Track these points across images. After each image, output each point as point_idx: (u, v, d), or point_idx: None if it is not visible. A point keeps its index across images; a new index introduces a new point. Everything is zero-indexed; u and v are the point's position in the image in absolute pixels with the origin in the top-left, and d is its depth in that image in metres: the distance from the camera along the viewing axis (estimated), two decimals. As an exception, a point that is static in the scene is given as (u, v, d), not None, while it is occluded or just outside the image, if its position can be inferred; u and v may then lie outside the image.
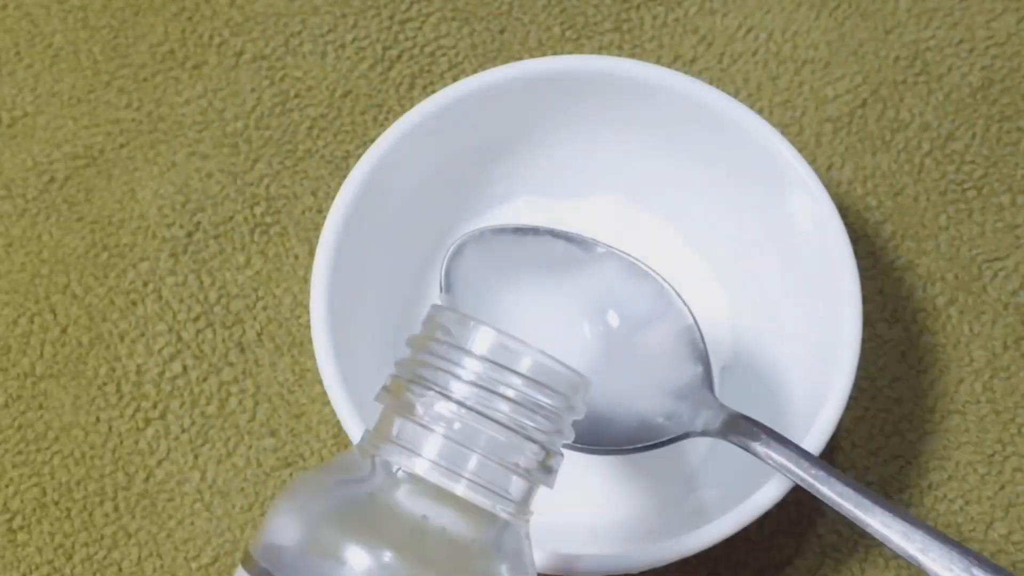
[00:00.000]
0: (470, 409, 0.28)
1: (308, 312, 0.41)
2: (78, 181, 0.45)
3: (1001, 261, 0.44)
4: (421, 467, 0.28)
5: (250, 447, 0.42)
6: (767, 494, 0.36)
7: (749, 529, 0.36)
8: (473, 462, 0.28)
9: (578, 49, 0.47)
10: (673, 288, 0.37)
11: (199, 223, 0.44)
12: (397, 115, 0.45)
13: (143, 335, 0.43)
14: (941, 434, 0.42)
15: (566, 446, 0.34)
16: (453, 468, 0.28)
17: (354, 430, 0.37)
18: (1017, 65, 0.46)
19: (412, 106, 0.41)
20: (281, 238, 0.44)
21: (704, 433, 0.36)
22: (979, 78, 0.46)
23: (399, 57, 0.46)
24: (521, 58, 0.46)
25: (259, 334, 0.43)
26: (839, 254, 0.38)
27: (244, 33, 0.47)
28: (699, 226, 0.42)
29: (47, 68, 0.46)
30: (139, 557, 0.41)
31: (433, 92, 0.44)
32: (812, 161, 0.45)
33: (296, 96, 0.46)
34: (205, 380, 0.42)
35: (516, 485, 0.29)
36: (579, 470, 0.40)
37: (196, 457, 0.42)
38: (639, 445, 0.37)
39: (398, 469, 0.29)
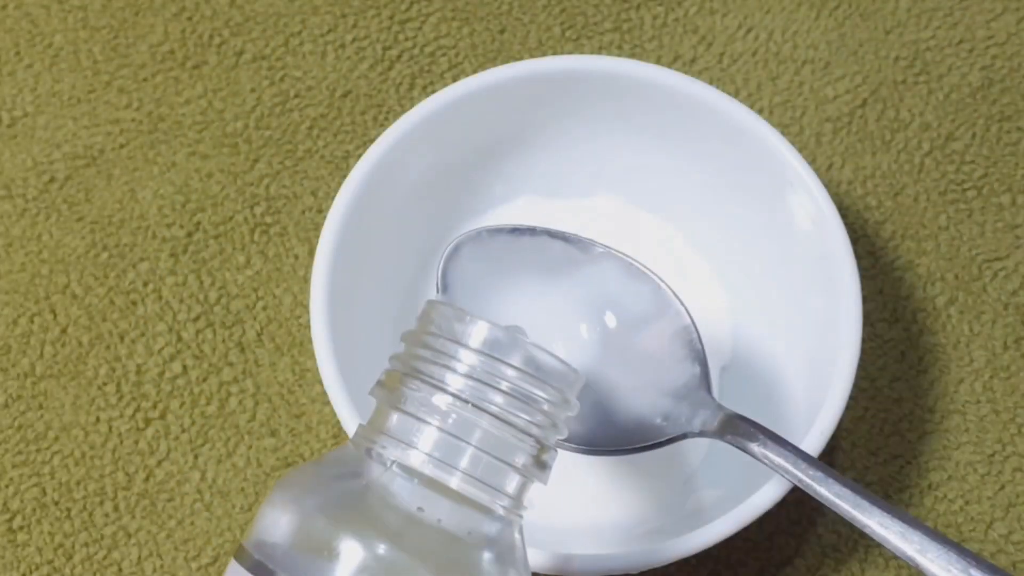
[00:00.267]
0: (465, 401, 0.28)
1: (308, 312, 0.41)
2: (78, 181, 0.45)
3: (1001, 261, 0.44)
4: (415, 459, 0.29)
5: (250, 447, 0.42)
6: (767, 494, 0.36)
7: (749, 529, 0.36)
8: (467, 455, 0.28)
9: (578, 49, 0.47)
10: (670, 288, 0.37)
11: (199, 223, 0.44)
12: (397, 115, 0.45)
13: (143, 335, 0.43)
14: (941, 434, 0.42)
15: (565, 447, 0.34)
16: (447, 461, 0.28)
17: (354, 430, 0.36)
18: (1017, 65, 0.46)
19: (412, 106, 0.41)
20: (281, 238, 0.44)
21: (702, 434, 0.36)
22: (979, 78, 0.46)
23: (399, 57, 0.46)
24: (521, 58, 0.46)
25: (259, 334, 0.43)
26: (839, 254, 0.38)
27: (244, 33, 0.47)
28: (699, 226, 0.42)
29: (47, 68, 0.46)
30: (139, 557, 0.41)
31: (433, 92, 0.44)
32: (812, 161, 0.45)
33: (296, 96, 0.46)
34: (205, 380, 0.42)
35: (510, 479, 0.29)
36: (578, 471, 0.40)
37: (196, 457, 0.42)
38: (637, 446, 0.37)
39: (392, 462, 0.29)
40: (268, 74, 0.46)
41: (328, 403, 0.42)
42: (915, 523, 0.33)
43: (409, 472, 0.29)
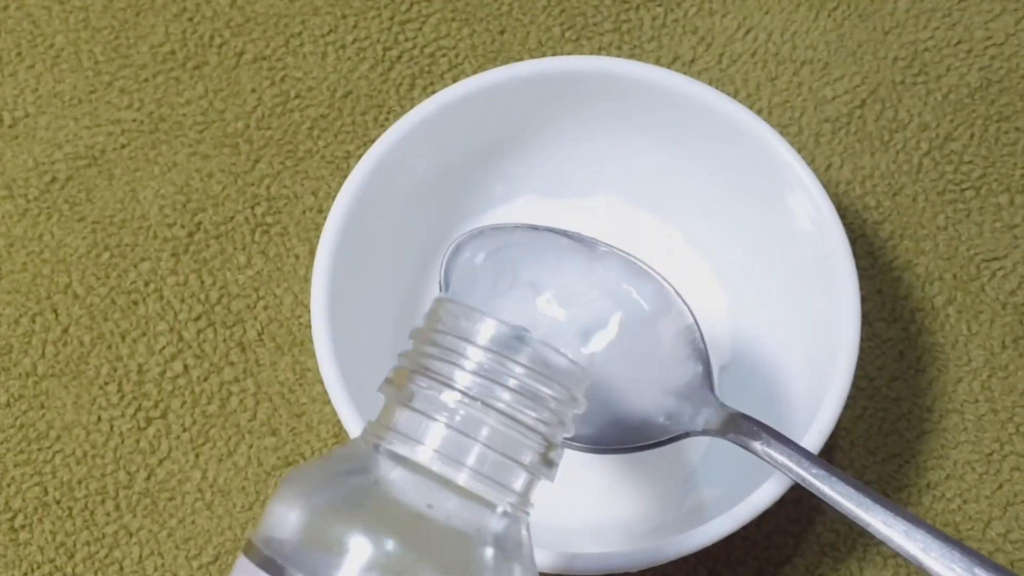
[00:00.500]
0: (473, 398, 0.28)
1: (309, 312, 0.41)
2: (79, 181, 0.45)
3: (999, 261, 0.44)
4: (423, 456, 0.29)
5: (251, 446, 0.42)
6: (766, 493, 0.36)
7: (748, 528, 0.36)
8: (475, 452, 0.29)
9: (578, 50, 0.47)
10: (673, 287, 0.37)
11: (200, 223, 0.44)
12: (397, 115, 0.45)
13: (144, 335, 0.43)
14: (939, 433, 0.42)
15: (568, 445, 0.34)
16: (455, 457, 0.28)
17: (354, 429, 0.37)
18: (1015, 65, 0.46)
19: (412, 106, 0.41)
20: (282, 238, 0.44)
21: (704, 432, 0.36)
22: (977, 78, 0.46)
23: (399, 58, 0.46)
24: (521, 59, 0.46)
25: (260, 334, 0.43)
26: (838, 254, 0.38)
27: (245, 34, 0.47)
28: (699, 226, 0.42)
29: (48, 69, 0.46)
30: (140, 556, 0.41)
31: (433, 93, 0.44)
32: (811, 161, 0.45)
33: (297, 96, 0.46)
34: (206, 379, 0.42)
35: (518, 476, 0.29)
36: (580, 469, 0.40)
37: (197, 456, 0.42)
38: (639, 444, 0.37)
39: (401, 458, 0.29)
40: (269, 74, 0.46)
41: (329, 402, 0.42)
42: (918, 522, 0.33)
43: (417, 469, 0.29)
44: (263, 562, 0.29)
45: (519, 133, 0.42)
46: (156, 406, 0.42)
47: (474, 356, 0.29)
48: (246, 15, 0.47)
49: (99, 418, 0.42)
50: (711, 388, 0.37)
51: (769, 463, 0.35)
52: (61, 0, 0.47)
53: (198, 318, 0.43)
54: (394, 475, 0.29)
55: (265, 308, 0.43)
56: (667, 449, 0.37)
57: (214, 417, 0.42)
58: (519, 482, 0.29)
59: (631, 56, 0.46)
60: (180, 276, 0.44)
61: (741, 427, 0.36)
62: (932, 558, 0.32)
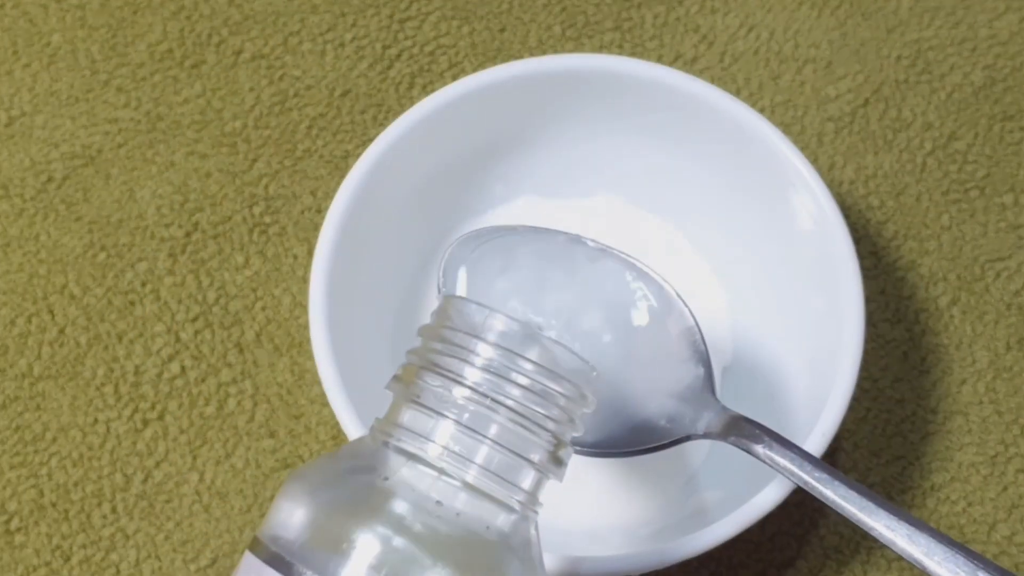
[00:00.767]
0: (482, 395, 0.28)
1: (307, 312, 0.41)
2: (76, 181, 0.45)
3: (1004, 261, 0.44)
4: (432, 453, 0.29)
5: (249, 448, 0.42)
6: (768, 496, 0.36)
7: (751, 531, 0.36)
8: (484, 450, 0.29)
9: (578, 48, 0.46)
10: (674, 289, 0.37)
11: (197, 223, 0.44)
12: (396, 114, 0.45)
13: (141, 335, 0.43)
14: (943, 435, 0.42)
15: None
16: (464, 455, 0.28)
17: (353, 431, 0.36)
18: (1020, 64, 0.46)
19: (412, 105, 0.41)
20: (280, 238, 0.44)
21: (706, 435, 0.36)
22: (981, 77, 0.46)
23: (399, 56, 0.46)
24: (521, 57, 0.46)
25: (258, 335, 0.43)
26: (841, 254, 0.38)
27: (243, 32, 0.46)
28: (699, 226, 0.42)
29: (45, 67, 0.46)
30: (137, 559, 0.41)
31: (433, 91, 0.44)
32: (814, 160, 0.45)
33: (295, 95, 0.46)
34: (203, 381, 0.42)
35: (527, 475, 0.29)
36: (581, 472, 0.39)
37: (195, 458, 0.41)
38: (641, 447, 0.37)
39: (409, 455, 0.29)
40: (267, 73, 0.46)
41: (327, 404, 0.42)
42: (922, 525, 0.33)
43: (426, 466, 0.29)
44: (270, 558, 0.29)
45: (519, 133, 0.42)
46: (153, 408, 0.42)
47: (484, 352, 0.29)
48: (244, 13, 0.47)
49: (95, 420, 0.42)
50: (712, 391, 0.37)
51: (771, 467, 0.35)
52: (58, -2, 0.47)
53: (195, 319, 0.43)
54: (402, 472, 0.29)
55: (263, 309, 0.43)
56: (669, 452, 0.37)
57: (212, 419, 0.42)
58: (528, 480, 0.29)
59: (632, 55, 0.46)
60: (177, 276, 0.43)
61: (743, 430, 0.35)
62: (935, 562, 0.32)
